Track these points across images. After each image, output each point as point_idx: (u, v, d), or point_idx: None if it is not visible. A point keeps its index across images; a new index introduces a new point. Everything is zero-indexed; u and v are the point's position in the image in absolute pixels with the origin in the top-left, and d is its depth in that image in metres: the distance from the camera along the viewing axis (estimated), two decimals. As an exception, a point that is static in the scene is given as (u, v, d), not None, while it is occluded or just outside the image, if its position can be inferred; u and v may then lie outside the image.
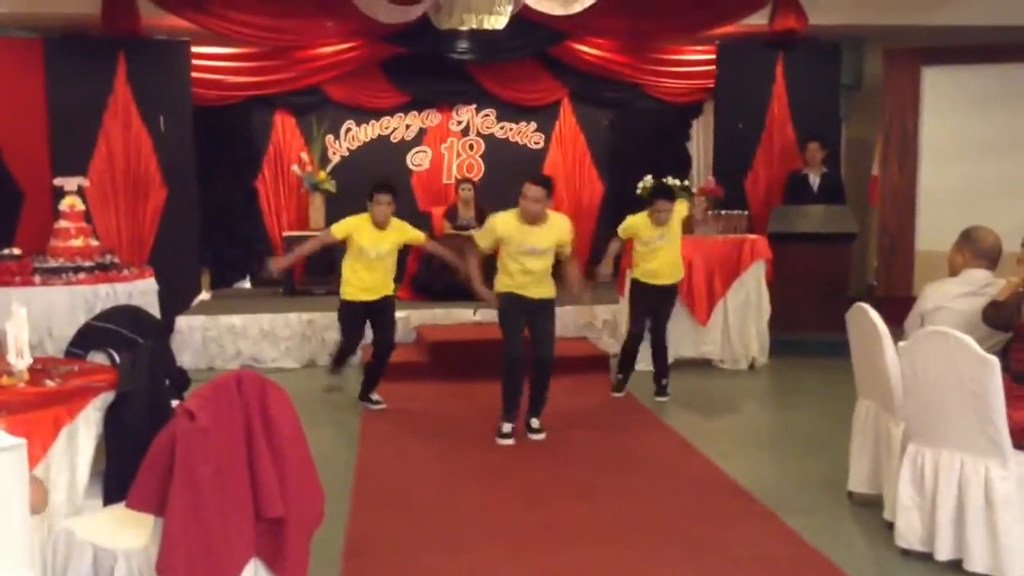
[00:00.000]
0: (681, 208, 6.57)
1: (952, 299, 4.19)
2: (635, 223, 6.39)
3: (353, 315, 6.22)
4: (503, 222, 5.47)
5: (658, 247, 6.34)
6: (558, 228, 5.54)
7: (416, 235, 6.26)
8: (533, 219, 5.40)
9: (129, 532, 2.72)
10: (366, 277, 6.04)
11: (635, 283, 6.53)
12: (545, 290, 5.55)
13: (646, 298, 6.47)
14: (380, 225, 6.00)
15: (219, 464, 2.54)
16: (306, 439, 2.82)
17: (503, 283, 5.55)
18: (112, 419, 3.10)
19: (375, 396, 6.33)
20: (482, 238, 5.58)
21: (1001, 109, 8.53)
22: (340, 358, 6.63)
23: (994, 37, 8.52)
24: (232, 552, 2.58)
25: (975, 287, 4.14)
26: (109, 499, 3.04)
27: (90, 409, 3.05)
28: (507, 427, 5.51)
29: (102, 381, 3.20)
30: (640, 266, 6.45)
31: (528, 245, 5.41)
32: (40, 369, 3.33)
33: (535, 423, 5.61)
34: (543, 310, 5.57)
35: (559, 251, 5.59)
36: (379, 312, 6.19)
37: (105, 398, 3.15)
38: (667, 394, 6.49)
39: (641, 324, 6.50)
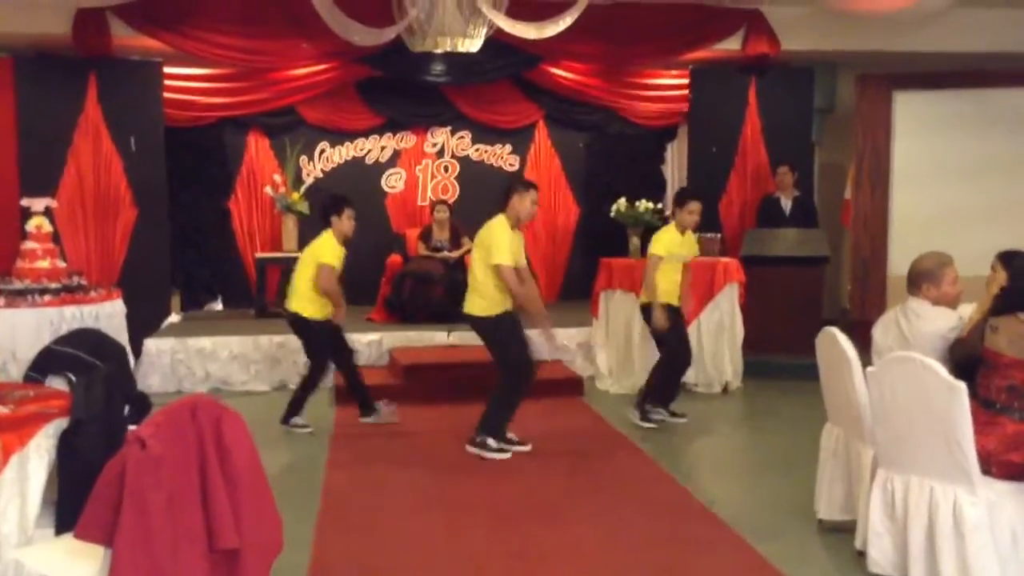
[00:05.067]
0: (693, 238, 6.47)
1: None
2: (668, 238, 6.22)
3: (330, 333, 6.18)
4: (507, 229, 5.49)
5: (680, 264, 6.28)
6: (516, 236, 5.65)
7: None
8: (525, 223, 5.68)
9: (80, 563, 2.64)
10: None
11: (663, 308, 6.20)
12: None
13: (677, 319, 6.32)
14: (344, 241, 6.09)
15: (171, 493, 2.47)
16: (262, 466, 2.76)
17: (501, 302, 5.50)
18: (65, 446, 3.02)
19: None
20: (513, 252, 5.47)
21: (972, 133, 8.62)
22: (309, 393, 6.34)
23: (965, 63, 8.62)
24: (184, 584, 2.50)
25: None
26: (61, 529, 2.96)
27: (42, 436, 2.97)
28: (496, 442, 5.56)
29: (56, 407, 3.12)
30: (663, 287, 6.21)
31: (522, 252, 5.59)
32: (-7, 395, 3.25)
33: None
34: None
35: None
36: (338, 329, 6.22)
37: (59, 424, 3.07)
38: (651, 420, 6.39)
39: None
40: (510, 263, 5.42)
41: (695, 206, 6.26)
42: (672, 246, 6.22)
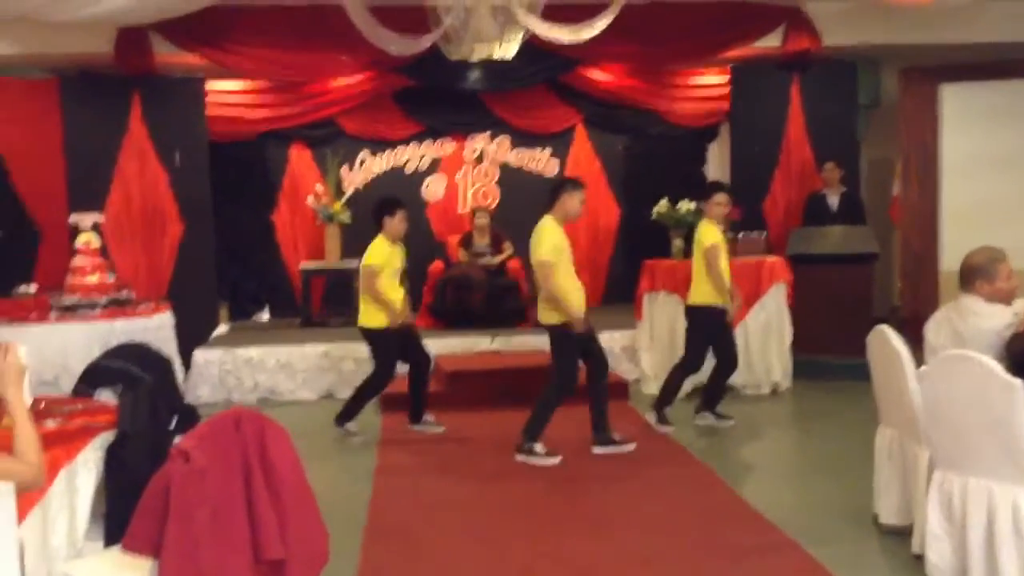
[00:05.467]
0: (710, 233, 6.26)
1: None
2: (715, 229, 6.12)
3: (392, 340, 6.14)
4: (557, 230, 5.51)
5: (726, 256, 6.20)
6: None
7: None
8: (572, 221, 5.69)
9: (128, 575, 2.65)
10: (395, 297, 6.09)
11: (710, 309, 6.11)
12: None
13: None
14: (396, 242, 6.14)
15: (216, 506, 2.48)
16: (306, 478, 2.75)
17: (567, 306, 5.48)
18: (112, 459, 3.05)
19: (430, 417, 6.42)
20: (552, 249, 5.44)
21: (1022, 124, 8.39)
22: (367, 398, 6.35)
23: (1011, 53, 8.40)
24: (230, 596, 2.51)
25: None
26: (110, 541, 2.98)
27: (89, 449, 3.00)
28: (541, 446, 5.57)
29: (103, 421, 3.15)
30: (721, 286, 6.06)
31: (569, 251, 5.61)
32: (43, 409, 3.29)
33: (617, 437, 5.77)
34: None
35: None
36: (409, 330, 6.24)
37: (106, 438, 3.10)
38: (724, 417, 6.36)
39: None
40: (551, 260, 5.40)
41: (721, 197, 6.21)
42: (721, 235, 6.18)
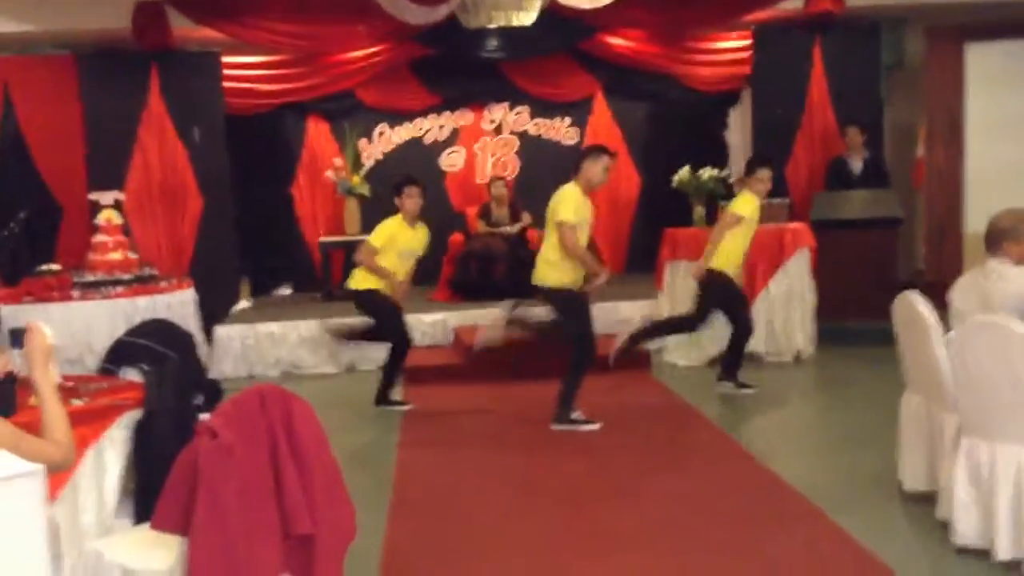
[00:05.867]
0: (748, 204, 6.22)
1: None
2: (753, 204, 6.13)
3: (386, 300, 6.05)
4: (577, 195, 5.46)
5: (749, 233, 6.17)
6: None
7: (424, 246, 6.22)
8: (596, 188, 5.57)
9: (158, 552, 2.67)
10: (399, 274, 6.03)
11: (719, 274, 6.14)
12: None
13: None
14: (412, 222, 6.03)
15: (244, 482, 2.48)
16: (332, 453, 2.76)
17: (572, 274, 5.49)
18: (140, 437, 3.07)
19: (396, 397, 6.30)
20: (574, 212, 5.39)
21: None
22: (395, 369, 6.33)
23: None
24: (259, 571, 2.52)
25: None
26: (139, 518, 3.01)
27: (116, 428, 3.02)
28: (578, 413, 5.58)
29: (129, 399, 3.17)
30: (730, 248, 6.12)
31: (589, 218, 5.54)
32: (70, 387, 3.31)
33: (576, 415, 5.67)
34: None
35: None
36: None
37: (133, 416, 3.12)
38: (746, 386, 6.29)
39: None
40: (572, 221, 5.37)
41: (764, 173, 6.16)
42: (755, 212, 6.15)
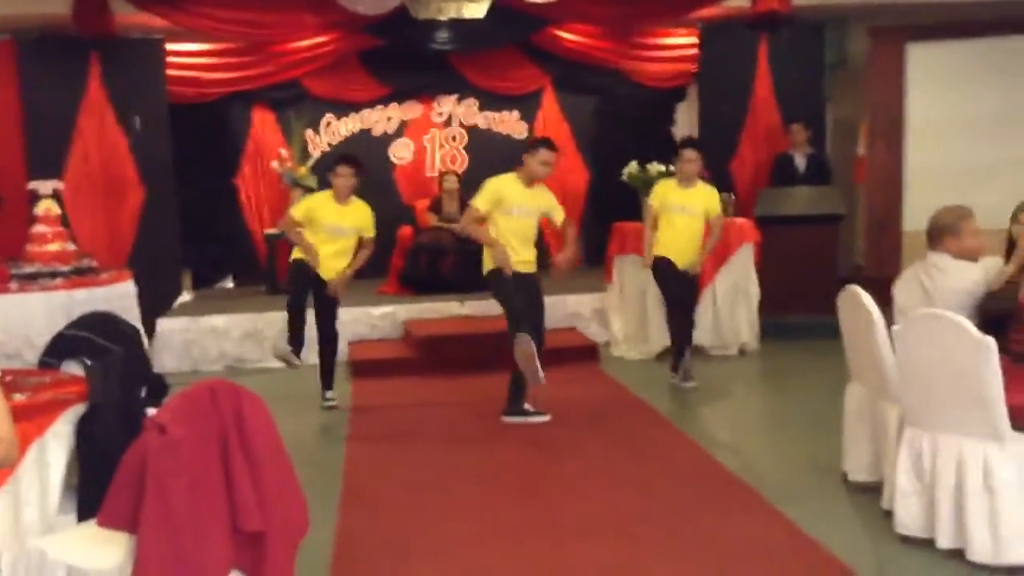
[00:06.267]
0: (712, 204, 6.34)
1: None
2: (661, 189, 6.34)
3: (302, 275, 5.99)
4: (505, 182, 5.54)
5: (679, 219, 6.22)
6: (547, 195, 5.70)
7: (368, 228, 6.10)
8: (533, 183, 5.58)
9: (103, 550, 2.61)
10: (320, 252, 5.94)
11: (659, 260, 6.29)
12: (532, 263, 5.65)
13: (669, 271, 6.30)
14: (340, 199, 5.96)
15: (193, 478, 2.43)
16: (285, 448, 2.72)
17: (490, 259, 5.54)
18: (84, 432, 2.99)
19: (328, 394, 6.20)
20: (483, 201, 5.52)
21: (988, 85, 8.46)
22: (293, 332, 6.13)
23: (979, 12, 8.43)
24: (209, 568, 2.48)
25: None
26: (83, 515, 2.94)
27: (60, 423, 2.94)
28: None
29: (72, 393, 3.09)
30: (660, 240, 6.29)
31: (526, 206, 5.54)
32: (9, 382, 3.21)
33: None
34: (535, 285, 5.64)
35: (554, 218, 5.69)
36: (326, 297, 6.04)
37: (76, 410, 3.04)
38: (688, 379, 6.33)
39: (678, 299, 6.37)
40: (476, 206, 5.52)
41: (689, 154, 6.25)
42: (660, 196, 6.27)
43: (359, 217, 6.05)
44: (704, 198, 6.32)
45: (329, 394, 6.17)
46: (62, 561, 2.59)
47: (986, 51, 8.47)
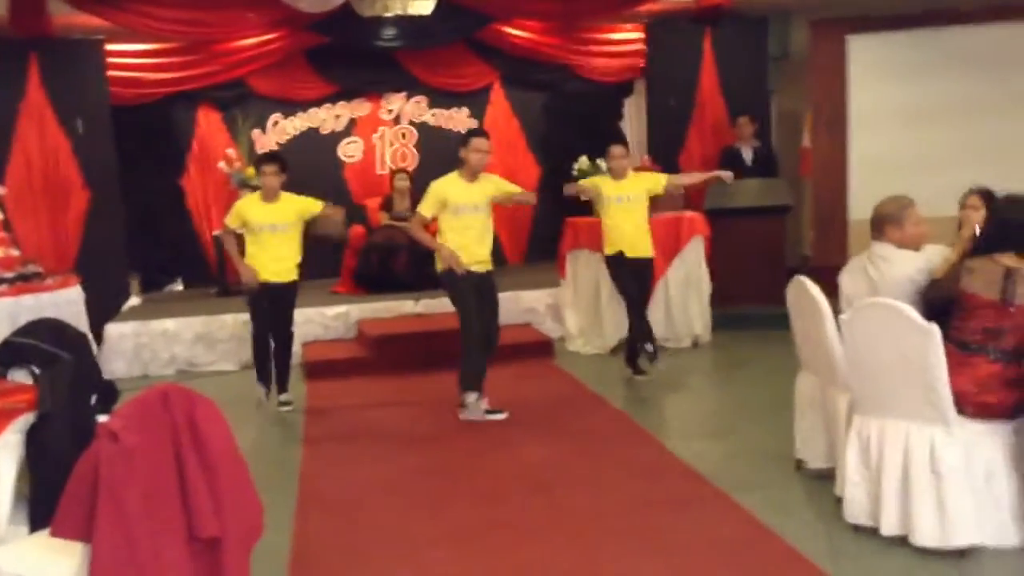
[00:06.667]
0: (652, 181, 6.43)
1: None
2: (596, 180, 6.43)
3: (255, 299, 5.94)
4: (447, 183, 5.59)
5: (619, 209, 6.28)
6: (492, 180, 5.76)
7: (311, 204, 6.01)
8: (476, 174, 5.60)
9: (57, 560, 2.56)
10: (261, 256, 5.89)
11: (610, 259, 6.38)
12: (487, 262, 5.68)
13: (621, 268, 6.36)
14: (268, 198, 5.91)
15: (147, 486, 2.41)
16: (239, 452, 2.70)
17: (441, 259, 5.58)
18: (34, 441, 2.93)
19: (282, 396, 6.13)
20: (427, 207, 5.60)
21: (929, 75, 8.62)
22: (259, 357, 6.09)
23: (917, 4, 8.59)
24: (165, 575, 2.45)
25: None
26: (36, 526, 2.88)
27: (8, 432, 2.88)
28: (474, 397, 5.59)
29: (21, 402, 3.03)
30: (608, 236, 6.35)
31: (472, 202, 5.56)
32: (-46, 393, 3.14)
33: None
34: (489, 284, 5.67)
35: (508, 191, 5.79)
36: (277, 298, 5.96)
37: (25, 420, 2.98)
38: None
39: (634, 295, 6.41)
40: (421, 213, 5.64)
41: (616, 150, 6.35)
42: (595, 187, 6.35)
43: (292, 208, 5.94)
44: (640, 182, 6.39)
45: (284, 396, 6.11)
46: (14, 573, 2.54)
47: (926, 42, 8.63)
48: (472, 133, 5.79)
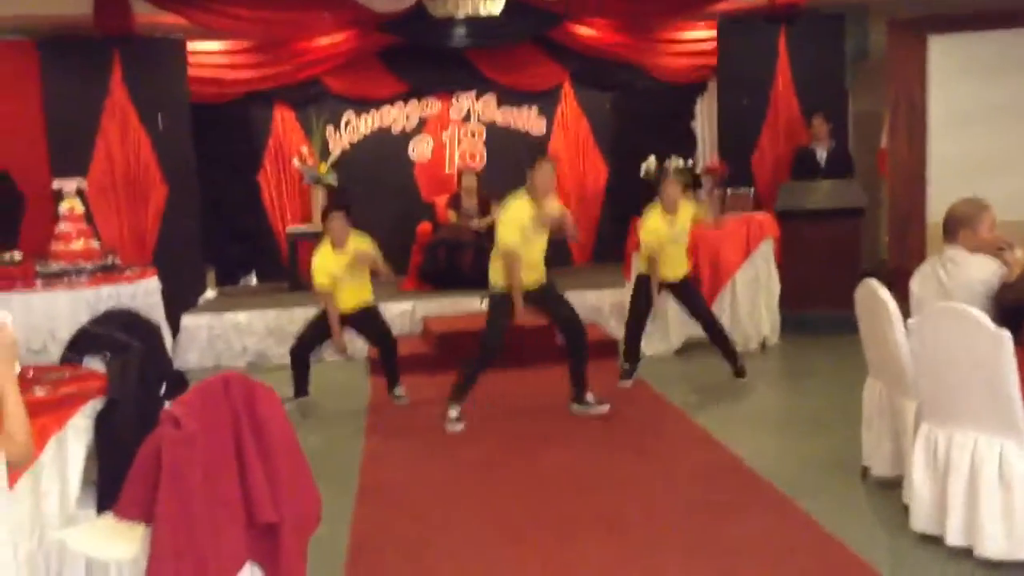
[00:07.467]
0: (693, 210, 6.37)
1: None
2: (654, 225, 6.22)
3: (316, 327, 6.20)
4: (521, 210, 5.46)
5: (672, 246, 6.24)
6: (554, 202, 5.65)
7: (366, 245, 6.11)
8: (546, 195, 5.50)
9: (122, 542, 2.64)
10: (342, 295, 6.04)
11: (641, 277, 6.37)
12: (543, 275, 5.65)
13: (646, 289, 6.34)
14: (339, 245, 6.00)
15: (207, 470, 2.47)
16: (297, 440, 2.75)
17: (498, 275, 5.55)
18: (102, 426, 3.04)
19: (398, 391, 6.31)
20: (512, 233, 5.42)
21: (1009, 75, 8.35)
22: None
23: (998, 4, 8.33)
24: (223, 559, 2.51)
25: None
26: (103, 508, 2.98)
27: (79, 417, 2.99)
28: (455, 412, 5.59)
29: (91, 388, 3.14)
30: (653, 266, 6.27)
31: (539, 225, 5.49)
32: (30, 378, 3.27)
33: (590, 398, 5.75)
34: (552, 293, 5.66)
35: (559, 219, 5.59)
36: (361, 323, 6.18)
37: (95, 405, 3.09)
38: (743, 375, 6.38)
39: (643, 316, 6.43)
40: (509, 246, 5.41)
41: (667, 186, 6.25)
42: (655, 233, 6.20)
43: (353, 253, 6.03)
44: (687, 212, 6.32)
45: (398, 390, 6.31)
46: (80, 552, 2.63)
47: (1005, 42, 8.36)
48: (542, 159, 5.63)
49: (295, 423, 5.64)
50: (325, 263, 6.02)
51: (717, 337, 6.37)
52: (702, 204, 6.62)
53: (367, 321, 6.22)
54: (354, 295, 6.10)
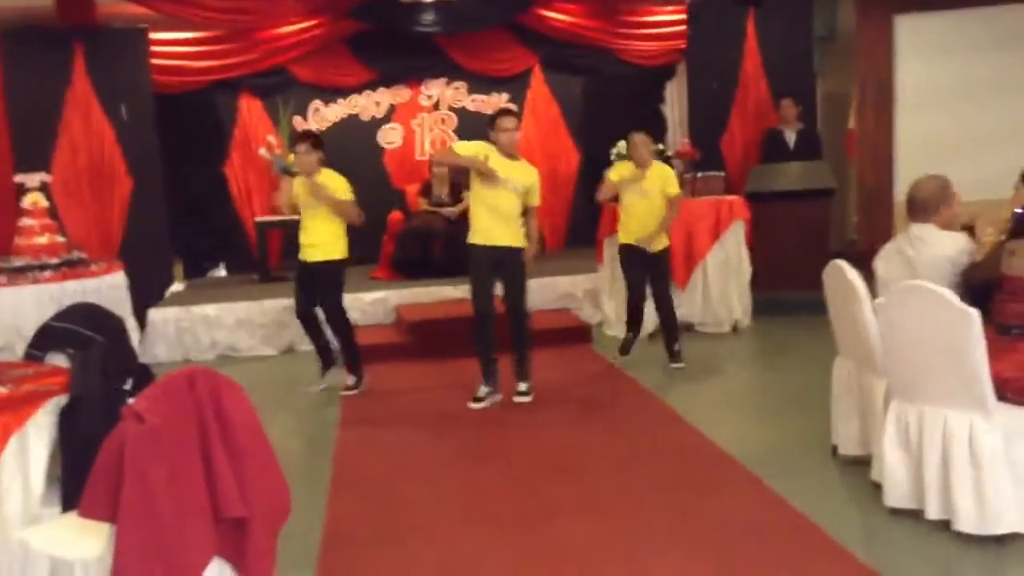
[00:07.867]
0: (667, 183, 6.25)
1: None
2: (622, 169, 6.28)
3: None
4: (485, 146, 5.46)
5: (636, 197, 6.19)
6: (530, 172, 5.57)
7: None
8: (511, 151, 5.46)
9: (87, 540, 2.61)
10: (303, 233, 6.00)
11: (622, 247, 6.37)
12: (513, 238, 5.52)
13: (629, 258, 6.32)
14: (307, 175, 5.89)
15: (172, 466, 2.43)
16: (264, 433, 2.72)
17: (473, 233, 5.54)
18: (65, 423, 2.98)
19: (328, 376, 6.25)
20: (465, 148, 5.53)
21: (976, 54, 8.39)
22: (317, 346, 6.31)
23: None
24: (190, 556, 2.47)
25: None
26: (67, 506, 2.93)
27: (41, 414, 2.93)
28: (482, 391, 5.57)
29: (55, 384, 3.08)
30: (624, 223, 6.31)
31: (509, 177, 5.41)
32: (-8, 375, 3.20)
33: (521, 386, 5.65)
34: (512, 260, 5.51)
35: (527, 199, 5.53)
36: (314, 277, 5.97)
37: (58, 402, 3.03)
38: (680, 360, 6.33)
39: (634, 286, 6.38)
40: (459, 151, 5.53)
41: (636, 138, 6.21)
42: (617, 174, 6.26)
43: (325, 182, 5.88)
44: (658, 176, 6.24)
45: (328, 376, 6.24)
46: (44, 552, 2.59)
47: (974, 20, 8.40)
48: (499, 113, 5.62)
49: (320, 403, 5.68)
50: (290, 187, 6.02)
51: (666, 320, 6.38)
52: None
53: (322, 276, 5.91)
54: (317, 234, 5.87)
